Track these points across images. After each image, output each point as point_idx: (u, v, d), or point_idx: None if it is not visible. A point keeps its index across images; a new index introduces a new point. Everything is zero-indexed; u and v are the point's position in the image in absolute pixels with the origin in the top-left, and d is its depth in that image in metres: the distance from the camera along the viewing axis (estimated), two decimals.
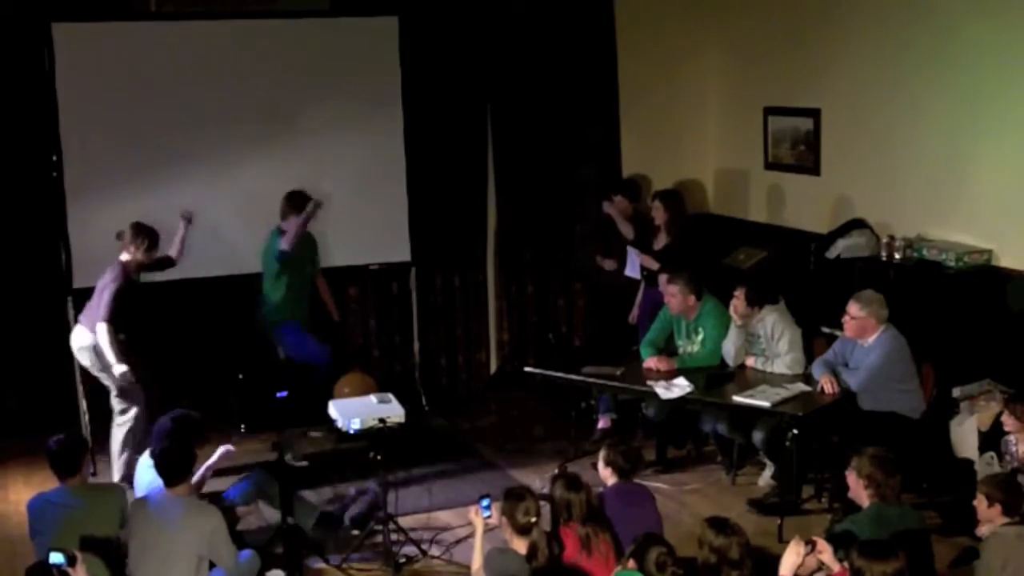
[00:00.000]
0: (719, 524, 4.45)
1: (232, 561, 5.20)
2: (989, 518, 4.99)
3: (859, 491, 5.13)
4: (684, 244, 7.98)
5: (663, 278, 7.48)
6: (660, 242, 8.08)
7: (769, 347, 6.94)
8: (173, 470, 5.20)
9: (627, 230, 8.22)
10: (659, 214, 8.09)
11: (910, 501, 5.75)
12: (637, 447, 5.87)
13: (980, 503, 5.02)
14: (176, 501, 5.20)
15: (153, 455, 5.57)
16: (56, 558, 4.36)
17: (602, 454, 5.57)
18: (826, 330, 7.09)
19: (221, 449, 6.05)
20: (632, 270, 8.25)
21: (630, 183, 8.80)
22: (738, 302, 6.95)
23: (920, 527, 5.08)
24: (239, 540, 5.67)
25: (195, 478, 5.79)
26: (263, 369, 7.56)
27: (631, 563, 4.47)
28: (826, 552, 4.45)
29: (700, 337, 7.17)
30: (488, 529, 5.16)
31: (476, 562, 5.01)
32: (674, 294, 7.14)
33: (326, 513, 6.49)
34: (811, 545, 4.42)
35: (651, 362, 7.10)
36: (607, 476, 5.52)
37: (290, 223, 7.46)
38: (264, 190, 7.74)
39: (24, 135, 7.78)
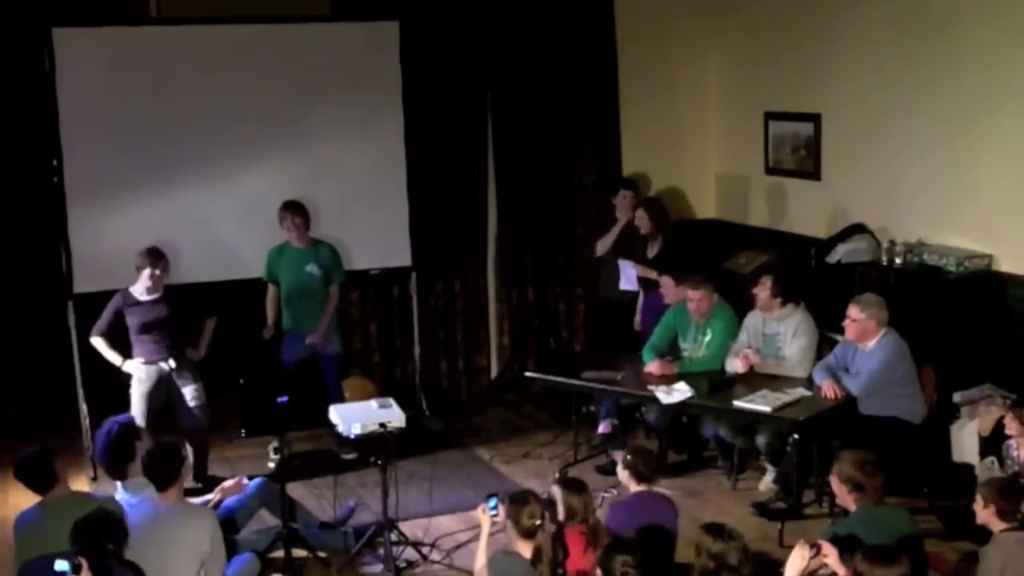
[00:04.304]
0: (716, 530, 4.44)
1: (221, 569, 5.18)
2: (986, 520, 4.98)
3: (844, 495, 5.14)
4: (674, 249, 7.98)
5: (667, 280, 7.47)
6: (652, 250, 8.07)
7: (785, 347, 6.91)
8: (160, 473, 5.18)
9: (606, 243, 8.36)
10: (643, 223, 8.07)
11: (910, 505, 5.76)
12: (656, 452, 5.84)
13: (977, 505, 5.02)
14: (171, 509, 5.17)
15: (101, 459, 5.63)
16: (61, 566, 4.28)
17: (621, 458, 5.55)
18: (831, 335, 7.08)
19: (231, 481, 6.11)
20: (627, 283, 8.23)
21: (631, 181, 8.82)
22: (762, 291, 6.92)
23: (910, 527, 5.08)
24: (232, 545, 5.68)
25: (210, 502, 5.87)
26: (264, 374, 7.55)
27: (598, 572, 4.48)
28: (832, 556, 4.45)
29: (708, 339, 7.15)
30: (494, 531, 5.15)
31: (480, 560, 5.02)
32: (702, 298, 7.10)
33: (325, 521, 6.48)
34: (816, 549, 4.42)
35: (652, 367, 7.09)
36: (626, 480, 5.49)
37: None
38: (265, 194, 7.75)
39: (25, 140, 7.79)
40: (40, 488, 5.27)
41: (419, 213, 8.42)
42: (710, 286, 7.17)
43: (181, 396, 7.13)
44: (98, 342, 7.05)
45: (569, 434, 7.71)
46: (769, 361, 6.88)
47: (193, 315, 7.25)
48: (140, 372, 7.03)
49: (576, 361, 7.96)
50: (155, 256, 7.01)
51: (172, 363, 7.08)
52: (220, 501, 6.04)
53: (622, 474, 5.51)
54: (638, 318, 8.20)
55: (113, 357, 7.04)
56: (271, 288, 7.71)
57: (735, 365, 6.94)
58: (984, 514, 4.97)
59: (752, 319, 7.07)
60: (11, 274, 8.06)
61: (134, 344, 7.06)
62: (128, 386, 7.07)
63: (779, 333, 6.95)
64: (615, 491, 5.56)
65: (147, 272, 6.97)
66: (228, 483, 6.14)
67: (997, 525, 4.92)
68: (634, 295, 8.19)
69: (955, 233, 7.26)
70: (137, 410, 6.99)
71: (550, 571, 4.77)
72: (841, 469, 5.11)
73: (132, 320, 7.03)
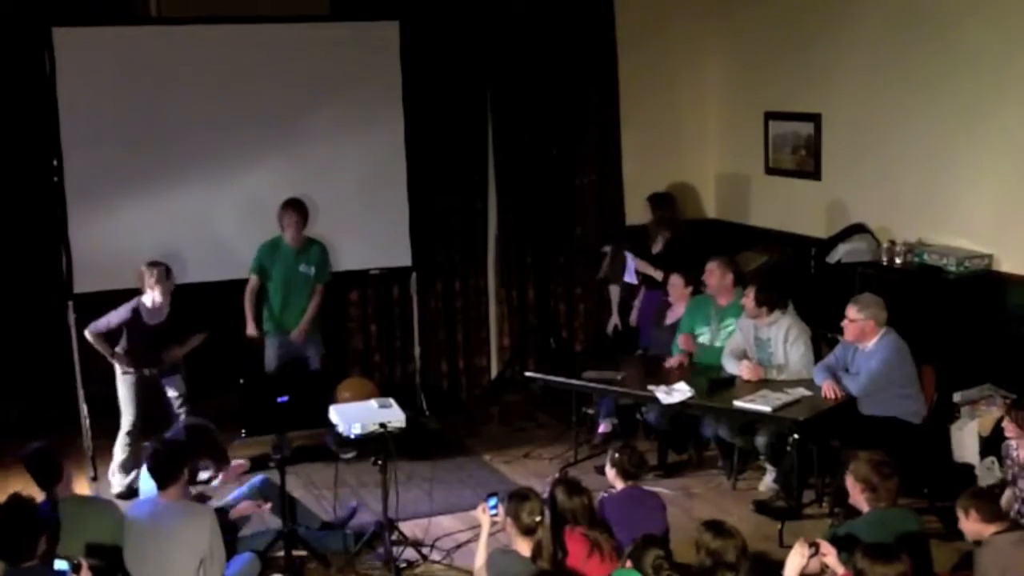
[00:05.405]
0: (715, 527, 4.44)
1: (220, 568, 5.18)
2: (974, 531, 4.94)
3: (857, 495, 5.12)
4: (678, 247, 7.97)
5: (676, 279, 7.49)
6: (656, 247, 8.08)
7: (777, 351, 6.92)
8: (162, 471, 5.20)
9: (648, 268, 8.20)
10: (647, 215, 8.12)
11: (910, 505, 5.75)
12: (640, 450, 5.88)
13: (961, 521, 4.98)
14: (171, 506, 5.19)
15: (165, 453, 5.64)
16: (61, 565, 4.30)
17: (608, 456, 5.59)
18: (831, 336, 7.08)
19: (234, 463, 6.13)
20: (630, 275, 8.24)
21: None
22: (748, 301, 6.94)
23: (918, 530, 5.07)
24: (233, 546, 5.69)
25: (236, 510, 5.93)
26: (264, 374, 7.55)
27: (628, 563, 4.47)
28: (831, 555, 4.44)
29: (730, 329, 7.14)
30: (494, 531, 5.15)
31: (480, 559, 5.03)
32: (713, 272, 7.14)
33: (327, 521, 6.48)
34: (815, 548, 4.41)
35: (672, 361, 7.08)
36: (613, 478, 5.54)
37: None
38: (265, 194, 7.76)
39: (25, 140, 7.79)
40: (45, 483, 5.27)
41: (419, 213, 8.42)
42: (726, 264, 7.17)
43: (168, 402, 7.22)
44: (92, 338, 7.07)
45: (569, 434, 7.72)
46: (771, 370, 6.86)
47: (188, 329, 7.28)
48: (131, 372, 7.09)
49: (576, 361, 7.96)
50: (162, 269, 7.07)
51: (153, 370, 7.16)
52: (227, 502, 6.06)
53: (610, 472, 5.56)
54: (634, 314, 8.22)
55: (104, 350, 7.07)
56: (253, 279, 7.66)
57: (735, 368, 6.94)
58: (969, 525, 4.92)
59: (745, 321, 7.07)
60: (11, 274, 8.05)
61: (127, 349, 7.09)
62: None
63: (770, 338, 6.95)
64: (614, 491, 5.57)
65: (156, 287, 7.03)
66: (234, 462, 6.14)
67: (988, 529, 4.88)
68: (634, 287, 8.21)
69: (955, 233, 7.26)
70: (131, 413, 7.05)
71: (550, 566, 4.77)
72: (857, 469, 5.09)
73: (136, 335, 7.06)
